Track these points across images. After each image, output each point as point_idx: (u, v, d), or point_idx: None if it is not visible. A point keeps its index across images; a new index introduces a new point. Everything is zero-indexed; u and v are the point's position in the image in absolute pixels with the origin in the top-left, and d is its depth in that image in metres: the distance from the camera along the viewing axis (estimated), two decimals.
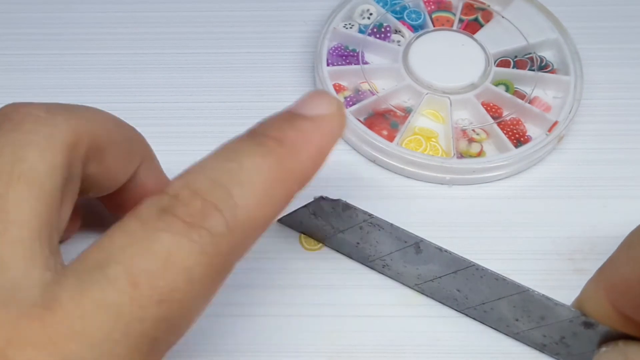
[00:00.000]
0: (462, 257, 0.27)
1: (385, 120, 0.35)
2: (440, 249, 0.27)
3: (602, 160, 0.34)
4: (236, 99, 0.36)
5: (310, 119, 0.22)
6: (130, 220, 0.20)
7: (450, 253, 0.27)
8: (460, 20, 0.38)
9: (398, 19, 0.38)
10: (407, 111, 0.35)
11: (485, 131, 0.34)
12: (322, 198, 0.28)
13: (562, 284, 0.27)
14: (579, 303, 0.26)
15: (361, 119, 0.34)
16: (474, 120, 0.35)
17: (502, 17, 0.38)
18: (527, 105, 0.35)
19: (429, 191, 0.33)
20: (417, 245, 0.28)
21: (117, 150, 0.24)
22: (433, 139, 0.34)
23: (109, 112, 0.25)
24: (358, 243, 0.30)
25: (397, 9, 0.38)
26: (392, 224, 0.28)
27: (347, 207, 0.28)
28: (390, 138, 0.34)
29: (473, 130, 0.34)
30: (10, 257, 0.19)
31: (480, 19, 0.38)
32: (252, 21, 0.39)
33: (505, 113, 0.35)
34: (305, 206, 0.29)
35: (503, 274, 0.27)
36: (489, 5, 0.39)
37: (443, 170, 0.33)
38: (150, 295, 0.19)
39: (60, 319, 0.18)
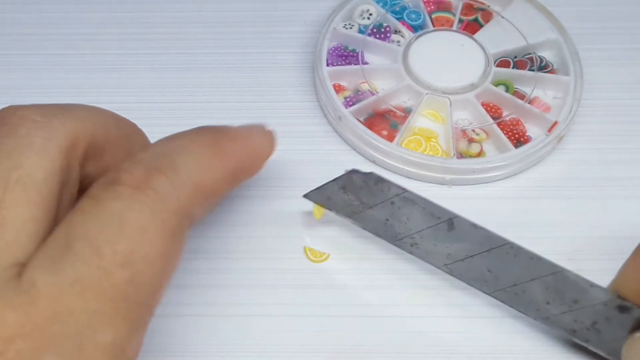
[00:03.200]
0: (497, 234, 0.27)
1: (385, 121, 0.35)
2: (475, 226, 0.27)
3: (602, 160, 0.34)
4: (236, 99, 0.36)
5: (246, 127, 0.26)
6: (83, 200, 0.21)
7: (486, 230, 0.27)
8: (460, 21, 0.38)
9: (398, 19, 0.38)
10: (407, 111, 0.35)
11: (485, 131, 0.34)
12: (353, 171, 0.28)
13: None
14: (614, 286, 0.26)
15: (361, 119, 0.34)
16: (474, 120, 0.35)
17: (502, 17, 0.38)
18: (527, 105, 0.35)
19: (429, 191, 0.33)
20: (451, 222, 0.27)
21: (116, 148, 0.25)
22: (433, 139, 0.34)
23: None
24: (387, 220, 0.29)
25: (397, 9, 0.38)
26: (426, 199, 0.27)
27: (380, 180, 0.28)
28: (390, 138, 0.34)
29: (473, 131, 0.34)
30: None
31: (480, 19, 0.38)
32: (252, 21, 0.39)
33: (505, 113, 0.35)
34: (334, 180, 0.28)
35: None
36: (488, 6, 0.39)
37: (443, 170, 0.33)
38: (113, 260, 0.20)
39: (42, 304, 0.19)
